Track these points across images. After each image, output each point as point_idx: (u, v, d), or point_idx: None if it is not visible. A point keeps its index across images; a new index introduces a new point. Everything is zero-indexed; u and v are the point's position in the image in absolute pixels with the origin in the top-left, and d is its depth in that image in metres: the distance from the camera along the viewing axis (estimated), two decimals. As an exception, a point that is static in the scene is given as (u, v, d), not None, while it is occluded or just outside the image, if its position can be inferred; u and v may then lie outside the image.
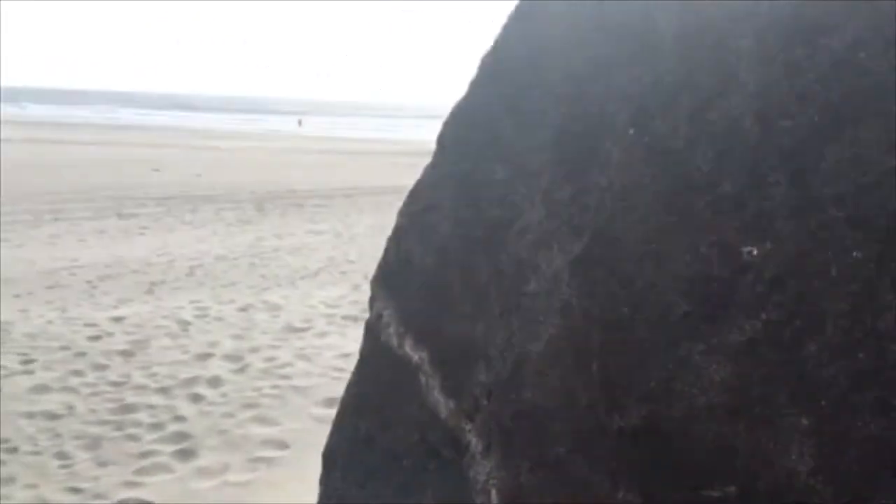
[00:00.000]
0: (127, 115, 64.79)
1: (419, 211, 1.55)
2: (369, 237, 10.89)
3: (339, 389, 5.55)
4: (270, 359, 5.73)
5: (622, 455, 1.10)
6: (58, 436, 4.36)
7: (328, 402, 5.00)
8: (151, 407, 4.80)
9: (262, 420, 4.75)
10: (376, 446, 1.47)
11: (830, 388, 0.95)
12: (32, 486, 3.84)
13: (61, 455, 4.15)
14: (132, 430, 4.48)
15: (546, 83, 1.35)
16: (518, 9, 1.45)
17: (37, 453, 4.16)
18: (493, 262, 1.34)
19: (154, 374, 5.31)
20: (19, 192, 13.83)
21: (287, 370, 5.54)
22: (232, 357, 5.71)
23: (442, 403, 1.37)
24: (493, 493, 1.22)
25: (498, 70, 1.47)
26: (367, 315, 6.35)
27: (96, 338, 5.98)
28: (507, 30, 1.47)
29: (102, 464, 4.10)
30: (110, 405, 4.78)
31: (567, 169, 1.27)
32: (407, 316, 1.49)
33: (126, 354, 5.65)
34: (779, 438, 0.98)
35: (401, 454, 1.41)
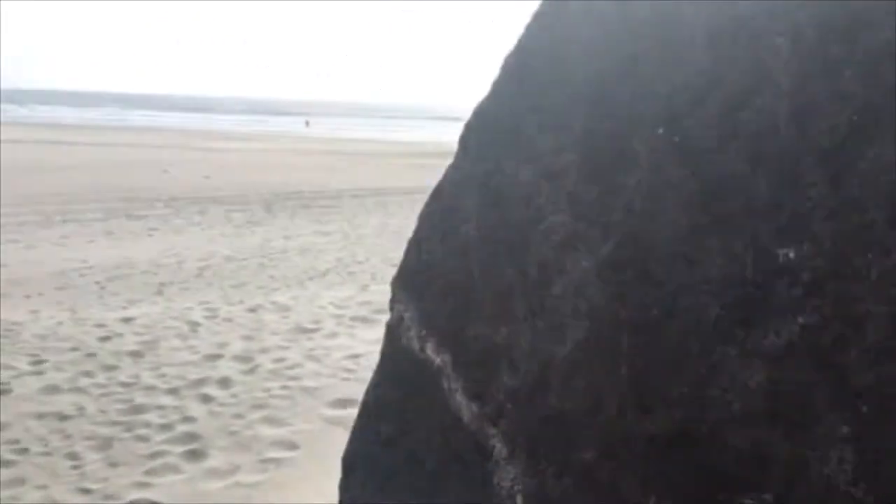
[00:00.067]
0: (134, 116, 65.19)
1: (441, 212, 1.53)
2: (377, 238, 10.88)
3: (348, 390, 5.57)
4: (280, 359, 5.72)
5: (653, 462, 1.08)
6: (68, 437, 4.36)
7: (338, 403, 4.99)
8: (161, 408, 4.80)
9: (272, 421, 4.74)
10: (398, 450, 1.45)
11: (871, 394, 0.92)
12: (43, 487, 3.84)
13: (72, 456, 4.16)
14: (142, 431, 4.48)
15: (571, 83, 1.33)
16: (541, 8, 1.43)
17: (47, 454, 4.16)
18: (518, 264, 1.32)
19: (164, 375, 5.31)
20: (29, 194, 13.91)
21: (296, 371, 5.53)
22: (241, 358, 5.71)
23: (465, 407, 1.34)
24: (519, 498, 1.20)
25: (521, 70, 1.44)
26: (376, 316, 6.38)
27: (106, 338, 5.99)
28: (531, 29, 1.45)
29: (113, 464, 4.10)
30: (120, 406, 4.78)
31: (593, 169, 1.25)
32: (429, 318, 1.47)
33: (136, 355, 5.65)
34: (817, 446, 0.96)
35: (423, 458, 1.39)
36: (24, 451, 4.18)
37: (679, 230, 1.12)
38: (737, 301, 1.05)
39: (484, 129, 1.50)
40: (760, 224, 1.05)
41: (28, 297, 7.23)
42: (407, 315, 1.54)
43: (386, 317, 6.40)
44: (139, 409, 4.74)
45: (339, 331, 6.47)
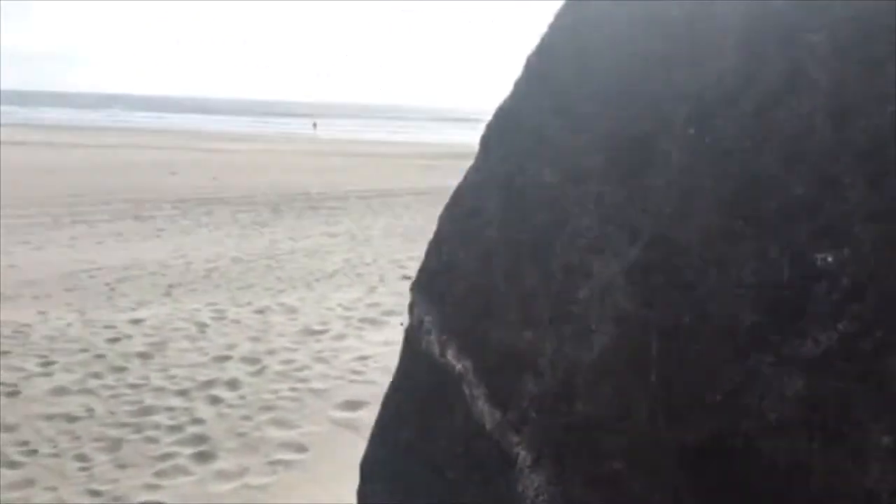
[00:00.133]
0: (139, 118, 65.56)
1: (462, 214, 1.50)
2: (385, 239, 10.87)
3: (357, 392, 5.55)
4: (288, 361, 5.71)
5: (685, 472, 1.04)
6: (77, 438, 4.36)
7: (346, 405, 4.97)
8: (170, 409, 4.79)
9: (280, 423, 4.73)
10: (417, 457, 1.42)
11: (915, 404, 0.89)
12: (52, 489, 3.84)
13: (81, 457, 4.15)
14: (151, 433, 4.47)
15: (596, 83, 1.30)
16: (565, 7, 1.40)
17: (56, 455, 4.16)
18: (542, 268, 1.29)
19: (172, 377, 5.30)
20: (38, 196, 13.98)
21: (305, 373, 5.51)
22: (249, 359, 5.70)
23: (487, 414, 1.31)
24: (543, 508, 1.17)
25: (544, 70, 1.41)
26: (384, 318, 6.37)
27: (115, 340, 5.99)
28: (554, 28, 1.42)
29: (122, 466, 4.10)
30: (129, 407, 4.78)
31: (620, 171, 1.22)
32: (449, 323, 1.44)
33: (144, 356, 5.65)
34: (857, 457, 0.92)
35: (444, 466, 1.36)
36: (34, 452, 4.18)
37: (711, 234, 1.09)
38: (772, 307, 1.02)
39: (506, 129, 1.47)
40: (797, 227, 1.02)
41: (37, 298, 7.24)
42: (427, 319, 1.51)
43: (394, 319, 6.43)
44: (148, 411, 4.74)
45: (347, 332, 6.45)
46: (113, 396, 4.93)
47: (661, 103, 1.20)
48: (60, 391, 4.97)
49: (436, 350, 1.46)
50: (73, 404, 4.77)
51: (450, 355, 1.42)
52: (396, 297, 7.54)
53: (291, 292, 7.78)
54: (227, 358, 5.70)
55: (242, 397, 5.04)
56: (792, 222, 1.03)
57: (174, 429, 4.53)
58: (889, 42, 0.99)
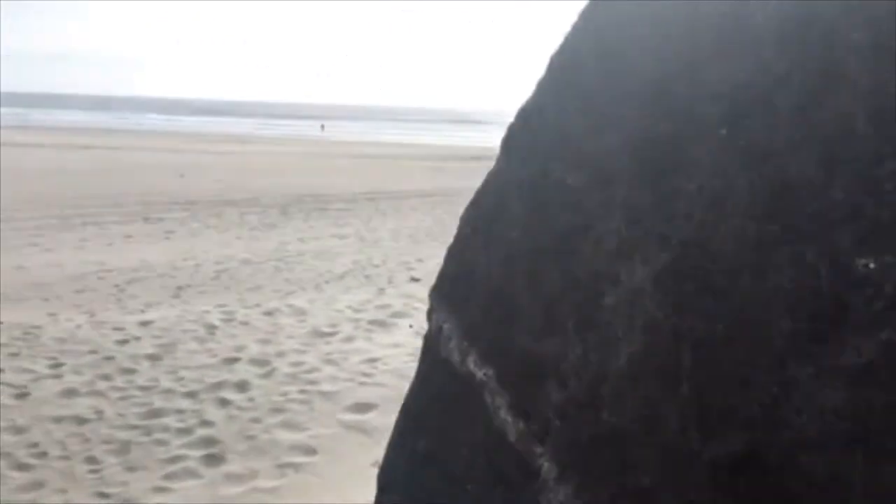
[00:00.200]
0: (148, 120, 66.03)
1: (483, 218, 1.46)
2: (393, 241, 10.84)
3: (366, 395, 5.52)
4: (297, 363, 5.69)
5: (717, 488, 1.00)
6: (86, 440, 4.35)
7: (356, 408, 4.95)
8: (179, 411, 4.78)
9: (290, 425, 4.70)
10: (437, 468, 1.39)
11: (964, 419, 0.85)
12: (62, 491, 3.83)
13: (90, 460, 4.14)
14: (160, 435, 4.46)
15: (622, 82, 1.26)
16: (589, 6, 1.36)
17: (66, 458, 4.15)
18: (566, 274, 1.25)
19: (181, 379, 5.29)
20: (47, 197, 14.05)
21: (314, 375, 5.49)
22: (258, 361, 5.68)
23: (510, 424, 1.28)
24: (568, 522, 1.13)
25: (568, 70, 1.38)
26: (393, 320, 6.34)
27: (124, 342, 5.99)
28: (578, 28, 1.38)
29: (131, 469, 4.09)
30: (138, 410, 4.77)
31: (649, 174, 1.18)
32: (470, 330, 1.40)
33: (153, 358, 5.65)
34: (902, 473, 0.88)
35: (464, 477, 1.32)
36: (43, 454, 4.17)
37: (745, 239, 1.05)
38: (811, 315, 0.98)
39: (528, 131, 1.43)
40: (836, 233, 0.98)
41: (47, 300, 7.26)
42: (446, 326, 1.47)
43: (403, 321, 6.40)
44: (157, 413, 4.72)
45: (356, 334, 6.43)
46: (122, 398, 4.92)
47: (691, 103, 1.16)
48: (70, 393, 4.97)
49: (456, 357, 1.42)
50: (82, 406, 4.77)
51: (470, 363, 1.38)
52: (405, 299, 7.51)
53: (300, 294, 7.77)
54: (236, 360, 5.69)
55: (251, 399, 5.03)
56: (831, 227, 0.99)
57: (183, 431, 4.52)
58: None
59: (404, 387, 5.76)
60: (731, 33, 1.14)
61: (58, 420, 4.57)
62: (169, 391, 5.06)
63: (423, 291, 8.53)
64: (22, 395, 4.91)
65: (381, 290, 7.94)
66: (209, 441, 4.41)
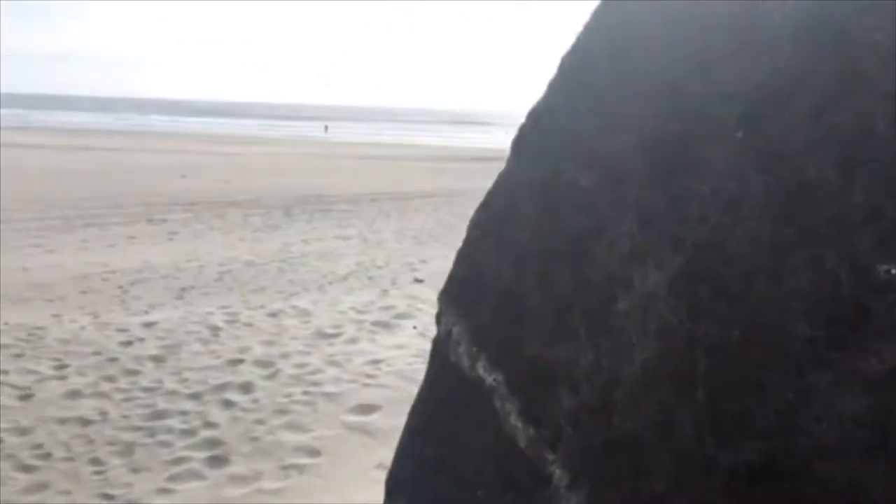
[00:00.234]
0: (150, 121, 66.22)
1: (493, 220, 1.44)
2: (396, 242, 10.83)
3: (370, 396, 5.50)
4: (301, 365, 5.67)
5: (733, 496, 0.99)
6: (91, 442, 4.35)
7: (359, 409, 4.94)
8: (183, 413, 4.77)
9: (294, 427, 4.69)
10: (446, 474, 1.37)
11: None
12: (66, 493, 3.82)
13: (94, 461, 4.14)
14: (164, 437, 4.45)
15: (635, 83, 1.24)
16: (601, 6, 1.35)
17: (70, 459, 4.15)
18: (578, 277, 1.24)
19: (185, 380, 5.28)
20: (50, 198, 14.08)
21: (318, 376, 5.48)
22: (262, 363, 5.67)
23: (520, 430, 1.26)
24: (580, 530, 1.11)
25: (579, 70, 1.36)
26: (397, 321, 6.31)
27: (128, 343, 5.99)
28: (590, 27, 1.37)
29: (135, 470, 4.08)
30: (142, 411, 4.76)
31: (662, 176, 1.16)
32: (479, 334, 1.38)
33: (157, 360, 5.64)
34: (925, 482, 0.86)
35: (474, 483, 1.30)
36: (48, 456, 4.16)
37: (761, 242, 1.03)
38: (830, 321, 0.96)
39: (539, 131, 1.41)
40: (856, 236, 0.96)
41: (50, 301, 7.26)
42: (455, 329, 1.46)
43: (407, 322, 6.37)
44: (161, 415, 4.71)
45: (359, 336, 6.41)
46: (126, 400, 4.91)
47: (706, 104, 1.14)
48: (74, 394, 4.96)
49: (465, 362, 1.40)
50: (86, 408, 4.76)
51: (480, 367, 1.36)
52: (409, 301, 7.50)
53: (304, 295, 7.76)
54: (239, 361, 5.68)
55: (255, 401, 5.01)
56: (851, 231, 0.97)
57: (187, 433, 4.51)
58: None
59: (408, 388, 5.74)
60: (746, 33, 1.12)
61: (62, 421, 4.56)
62: (173, 393, 5.05)
63: (426, 293, 8.55)
64: (26, 397, 4.91)
65: (385, 292, 7.92)
66: (213, 443, 4.40)
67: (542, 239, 1.33)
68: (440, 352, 1.51)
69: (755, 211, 1.05)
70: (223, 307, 7.11)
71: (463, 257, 1.52)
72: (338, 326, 6.61)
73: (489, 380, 1.34)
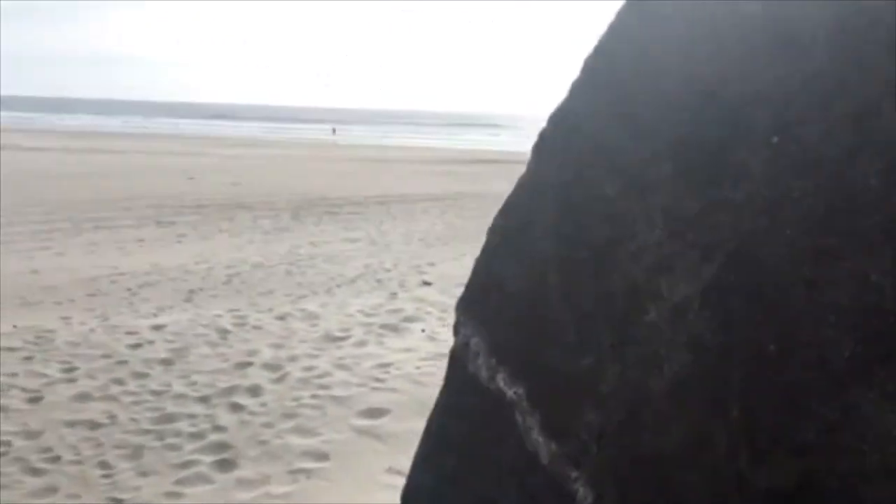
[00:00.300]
0: (157, 124, 66.66)
1: (513, 227, 1.40)
2: (404, 244, 10.80)
3: (378, 400, 5.48)
4: (309, 368, 5.65)
5: (771, 517, 0.94)
6: (99, 445, 4.33)
7: (368, 413, 4.91)
8: (192, 416, 4.75)
9: (302, 430, 4.66)
10: (464, 489, 1.33)
11: None
12: (75, 497, 3.80)
13: (103, 465, 4.12)
14: (173, 440, 4.43)
15: (662, 86, 1.20)
16: (627, 7, 1.30)
17: (79, 463, 4.13)
18: (603, 287, 1.19)
19: (194, 383, 5.26)
20: (59, 201, 14.14)
21: (326, 380, 5.45)
22: (271, 366, 5.65)
23: (542, 446, 1.21)
24: (606, 550, 1.07)
25: (604, 73, 1.32)
26: (405, 324, 6.27)
27: (137, 346, 5.98)
28: (615, 29, 1.32)
29: (143, 474, 4.06)
30: (151, 414, 4.74)
31: (692, 182, 1.12)
32: (499, 345, 1.34)
33: (166, 363, 5.62)
34: (976, 507, 0.81)
35: (494, 499, 1.26)
36: (56, 459, 4.15)
37: (799, 252, 0.98)
38: (875, 336, 0.91)
39: (561, 136, 1.37)
40: (901, 247, 0.91)
41: (60, 303, 7.27)
42: (474, 340, 1.41)
43: (415, 325, 6.33)
44: (170, 418, 4.70)
45: (368, 339, 6.38)
46: (135, 403, 4.90)
47: (741, 108, 1.09)
48: (83, 397, 4.95)
49: (484, 374, 1.36)
50: (95, 411, 4.75)
51: (500, 380, 1.32)
52: (417, 303, 7.46)
53: (312, 298, 7.73)
54: (248, 364, 5.66)
55: (264, 404, 4.99)
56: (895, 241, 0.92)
57: (196, 436, 4.49)
58: None
59: (417, 392, 5.69)
60: (782, 34, 1.08)
61: (71, 424, 4.55)
62: (181, 396, 5.04)
63: (434, 295, 8.51)
64: (35, 400, 4.90)
65: (393, 295, 7.89)
66: (221, 446, 4.37)
67: (564, 247, 1.28)
68: (458, 362, 1.46)
69: (792, 219, 1.00)
70: (231, 310, 7.10)
71: (481, 265, 1.48)
72: (346, 329, 6.57)
73: (510, 393, 1.29)
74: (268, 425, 4.63)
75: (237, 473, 4.06)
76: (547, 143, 1.42)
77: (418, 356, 5.90)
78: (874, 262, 0.94)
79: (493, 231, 1.48)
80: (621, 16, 1.34)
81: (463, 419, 1.41)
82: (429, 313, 7.11)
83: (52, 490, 3.81)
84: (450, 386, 1.50)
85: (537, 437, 1.22)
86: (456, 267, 9.35)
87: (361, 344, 6.21)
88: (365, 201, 15.79)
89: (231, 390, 5.12)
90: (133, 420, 4.62)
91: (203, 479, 3.99)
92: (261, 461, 4.20)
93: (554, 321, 1.26)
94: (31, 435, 4.36)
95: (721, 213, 1.08)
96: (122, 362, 5.54)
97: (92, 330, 6.33)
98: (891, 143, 0.96)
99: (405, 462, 4.52)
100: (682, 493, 1.03)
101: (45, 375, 5.26)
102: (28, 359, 5.56)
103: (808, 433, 0.93)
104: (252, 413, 4.81)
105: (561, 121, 1.39)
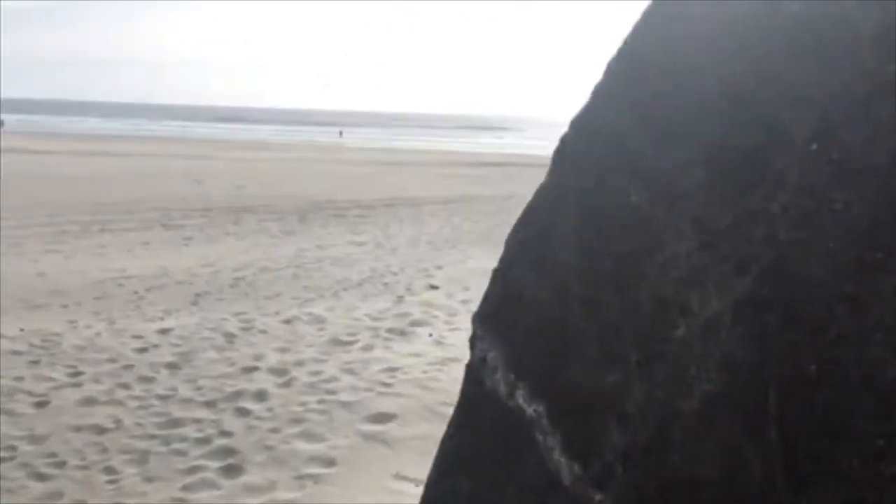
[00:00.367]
0: (164, 127, 67.03)
1: (533, 237, 1.35)
2: (411, 248, 10.76)
3: (386, 405, 5.43)
4: (316, 373, 5.61)
5: (812, 549, 0.89)
6: (105, 450, 4.30)
7: (375, 418, 4.87)
8: (198, 421, 4.72)
9: (309, 436, 4.63)
10: (481, 510, 1.28)
11: None
12: (80, 502, 3.78)
13: (109, 470, 4.09)
14: (179, 445, 4.40)
15: (691, 89, 1.15)
16: (654, 6, 1.25)
17: (84, 468, 4.11)
18: (628, 301, 1.14)
19: (200, 388, 5.23)
20: (66, 204, 14.19)
21: (333, 385, 5.41)
22: (277, 370, 5.61)
23: (564, 466, 1.16)
24: (632, 578, 1.01)
25: (629, 76, 1.26)
26: (413, 329, 6.24)
27: (143, 350, 5.96)
28: (640, 30, 1.27)
29: (149, 479, 4.03)
30: (157, 419, 4.72)
31: (724, 191, 1.07)
32: (518, 361, 1.29)
33: (172, 367, 5.60)
34: None
35: (513, 523, 1.21)
36: (62, 464, 4.13)
37: (841, 266, 0.93)
38: (925, 356, 0.86)
39: (583, 141, 1.32)
40: (953, 261, 0.86)
41: (66, 307, 7.26)
42: (491, 355, 1.36)
43: (422, 329, 6.29)
44: (176, 423, 4.67)
45: (375, 343, 6.34)
46: (141, 407, 4.88)
47: (777, 113, 1.04)
48: (89, 402, 4.93)
49: (502, 390, 1.31)
50: (101, 415, 4.72)
51: (519, 397, 1.26)
52: (424, 307, 7.41)
53: (319, 302, 7.70)
54: (254, 369, 5.63)
55: (270, 409, 4.95)
56: (947, 255, 0.87)
57: (202, 441, 4.46)
58: None
59: (424, 397, 5.64)
60: (822, 34, 1.03)
61: (77, 429, 4.53)
62: (188, 400, 5.01)
63: (442, 299, 8.46)
64: (42, 404, 4.88)
65: (400, 298, 7.85)
66: (228, 451, 4.34)
67: (586, 258, 1.23)
68: (474, 377, 1.41)
69: (834, 231, 0.95)
70: (238, 313, 7.07)
71: (499, 276, 1.42)
72: (353, 334, 6.53)
73: (529, 410, 1.24)
74: (274, 430, 4.60)
75: (244, 479, 4.02)
76: (568, 149, 1.36)
77: (425, 361, 5.85)
78: (924, 277, 0.88)
79: (512, 240, 1.42)
80: (647, 16, 1.28)
81: (480, 437, 1.36)
82: (436, 317, 7.05)
83: (57, 495, 3.78)
84: (466, 402, 1.44)
85: (559, 458, 1.17)
86: (463, 270, 9.31)
87: (368, 348, 6.16)
88: (372, 204, 15.78)
89: (237, 395, 5.09)
90: (139, 425, 4.60)
91: (209, 484, 3.96)
92: (267, 467, 4.17)
93: (576, 335, 1.20)
94: (36, 439, 4.33)
95: (755, 224, 1.03)
96: (129, 366, 5.51)
97: (98, 333, 6.32)
98: (940, 151, 0.91)
99: (412, 468, 4.46)
100: (715, 520, 0.98)
101: (51, 379, 5.24)
102: (34, 362, 5.55)
103: (851, 460, 0.88)
104: (259, 418, 4.78)
105: (583, 125, 1.34)
